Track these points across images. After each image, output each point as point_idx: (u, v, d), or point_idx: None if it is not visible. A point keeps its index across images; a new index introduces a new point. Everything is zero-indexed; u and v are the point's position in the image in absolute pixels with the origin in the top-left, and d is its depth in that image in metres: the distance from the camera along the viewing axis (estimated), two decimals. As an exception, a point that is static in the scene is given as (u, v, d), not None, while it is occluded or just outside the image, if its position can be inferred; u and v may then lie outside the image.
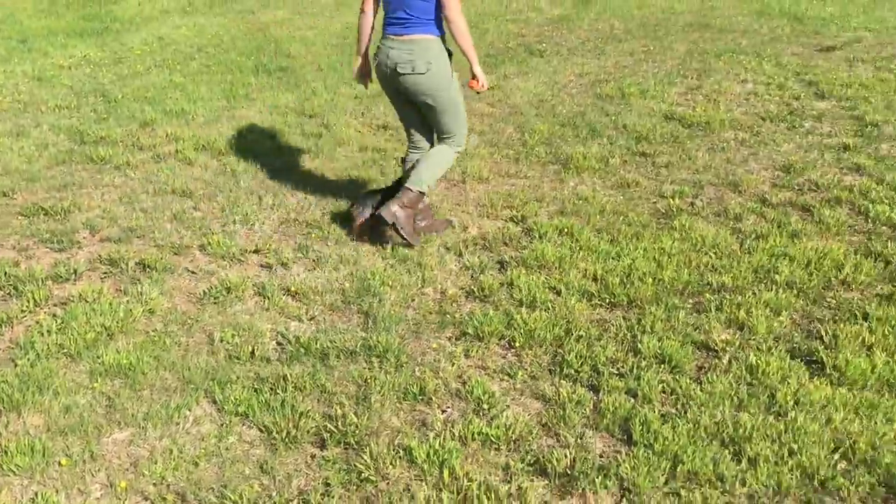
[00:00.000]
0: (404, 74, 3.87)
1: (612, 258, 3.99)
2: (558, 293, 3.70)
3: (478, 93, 4.12)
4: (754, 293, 3.63)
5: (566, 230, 4.31)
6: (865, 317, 3.42)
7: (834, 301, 3.60)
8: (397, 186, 4.12)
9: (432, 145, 4.20)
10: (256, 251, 4.13)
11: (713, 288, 3.71)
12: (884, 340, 3.22)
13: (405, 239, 4.01)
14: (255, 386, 3.01)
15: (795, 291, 3.66)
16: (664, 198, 4.79)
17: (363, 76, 4.22)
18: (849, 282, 3.73)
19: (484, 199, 4.79)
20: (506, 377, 3.10)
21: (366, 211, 4.11)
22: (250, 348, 3.26)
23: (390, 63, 3.88)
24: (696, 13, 10.65)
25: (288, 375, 3.04)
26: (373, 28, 4.07)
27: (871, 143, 5.57)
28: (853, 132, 5.81)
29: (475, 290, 3.74)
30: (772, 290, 3.66)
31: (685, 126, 6.07)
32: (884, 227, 4.31)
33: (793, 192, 4.84)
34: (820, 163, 5.25)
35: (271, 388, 2.99)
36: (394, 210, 3.95)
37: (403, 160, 4.32)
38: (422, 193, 4.07)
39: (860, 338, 3.24)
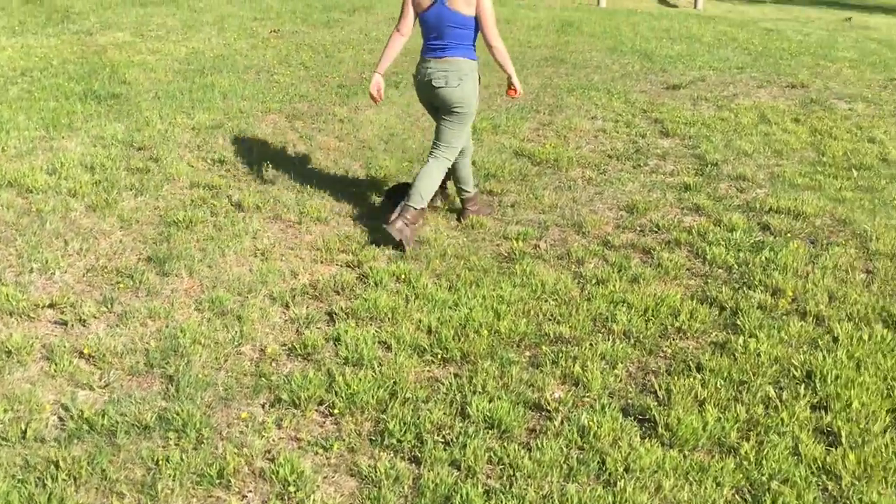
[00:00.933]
0: (438, 88, 4.40)
1: (449, 307, 3.77)
2: (388, 348, 3.43)
3: (513, 98, 5.22)
4: (591, 344, 3.49)
5: (403, 276, 4.06)
6: (699, 368, 3.34)
7: (670, 350, 3.51)
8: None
9: (472, 145, 4.90)
10: (51, 305, 3.65)
11: (550, 339, 3.55)
12: (716, 394, 3.14)
13: (405, 249, 4.34)
14: (21, 475, 2.57)
15: (632, 341, 3.55)
16: (508, 240, 4.64)
17: (377, 91, 4.64)
18: (684, 329, 3.66)
19: (320, 241, 4.48)
20: (320, 450, 2.79)
21: (401, 198, 4.57)
22: (22, 426, 2.80)
23: (427, 79, 4.43)
24: (552, 48, 10.81)
25: (62, 460, 2.62)
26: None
27: (711, 183, 5.66)
28: (694, 171, 5.90)
29: (298, 346, 3.42)
30: (609, 339, 3.54)
31: (534, 163, 5.99)
32: (720, 270, 4.31)
33: (635, 233, 4.80)
34: (662, 202, 5.26)
35: (39, 478, 2.55)
36: (398, 227, 4.33)
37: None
38: (423, 209, 4.49)
39: (693, 392, 3.14)
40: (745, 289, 4.06)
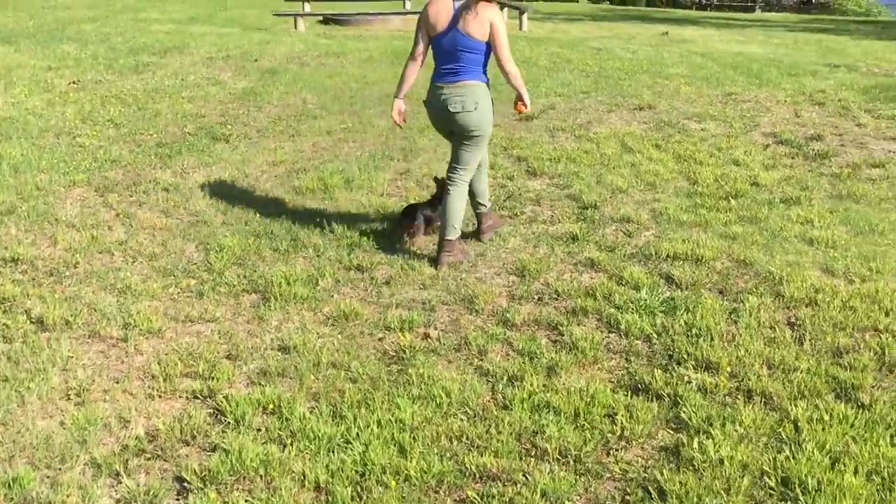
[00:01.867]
0: (455, 113, 4.39)
1: (339, 446, 2.94)
2: (267, 528, 2.56)
3: (520, 113, 4.77)
4: (525, 476, 2.78)
5: (272, 405, 3.19)
6: (661, 494, 2.71)
7: (618, 468, 2.86)
8: (435, 200, 4.95)
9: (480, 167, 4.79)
10: None
11: (475, 475, 2.81)
12: (693, 533, 2.51)
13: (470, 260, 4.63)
14: None
15: (571, 463, 2.87)
16: (391, 330, 3.86)
17: (399, 114, 4.74)
18: (627, 436, 3.03)
19: (155, 364, 3.51)
20: None
21: (420, 225, 4.89)
22: None
23: (443, 104, 4.42)
24: (391, 82, 10.09)
25: None
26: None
27: (596, 229, 5.16)
28: (575, 216, 5.38)
29: (140, 546, 2.47)
30: (544, 466, 2.84)
31: (400, 223, 5.26)
32: (639, 343, 3.74)
33: (533, 303, 4.17)
34: (552, 260, 4.68)
35: None
36: (447, 262, 4.54)
37: (440, 180, 4.87)
38: (457, 238, 4.61)
39: (666, 535, 2.50)
40: (674, 366, 3.51)
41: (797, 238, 4.99)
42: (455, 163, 4.60)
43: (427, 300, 4.17)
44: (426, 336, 3.82)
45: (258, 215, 5.33)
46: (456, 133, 4.53)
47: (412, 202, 5.26)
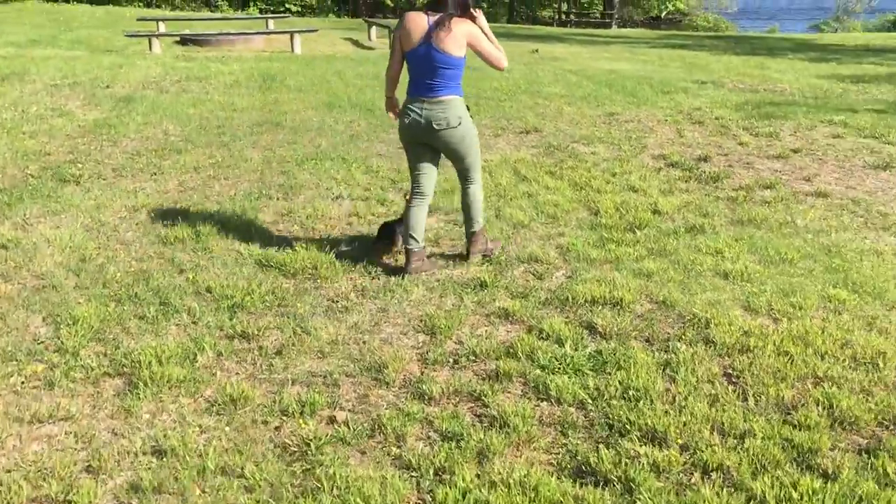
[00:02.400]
0: (440, 130, 4.41)
1: (238, 591, 2.34)
2: None
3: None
4: None
5: (148, 539, 2.55)
6: None
7: (579, 584, 2.42)
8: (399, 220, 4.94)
9: (433, 194, 4.86)
10: None
11: None
12: None
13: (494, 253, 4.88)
14: None
15: (526, 584, 2.40)
16: (289, 416, 3.28)
17: (393, 108, 4.72)
18: (583, 539, 2.59)
19: (-8, 489, 2.79)
20: None
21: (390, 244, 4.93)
22: None
23: (424, 121, 4.41)
24: (260, 109, 9.47)
25: None
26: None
27: (504, 272, 4.75)
28: (482, 260, 4.95)
29: None
30: (495, 592, 2.36)
31: (288, 275, 4.66)
32: (573, 410, 3.34)
33: (449, 368, 3.69)
34: (463, 312, 4.22)
35: None
36: (480, 250, 4.84)
37: (406, 209, 4.77)
38: (481, 230, 4.84)
39: None
40: (618, 439, 3.12)
41: (711, 272, 4.76)
42: (464, 168, 4.71)
43: (328, 372, 3.61)
44: (332, 421, 3.26)
45: (119, 274, 4.59)
46: (441, 149, 4.60)
47: (386, 220, 5.22)
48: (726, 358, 3.74)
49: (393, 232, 4.93)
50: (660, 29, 38.53)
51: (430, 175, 4.73)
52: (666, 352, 3.80)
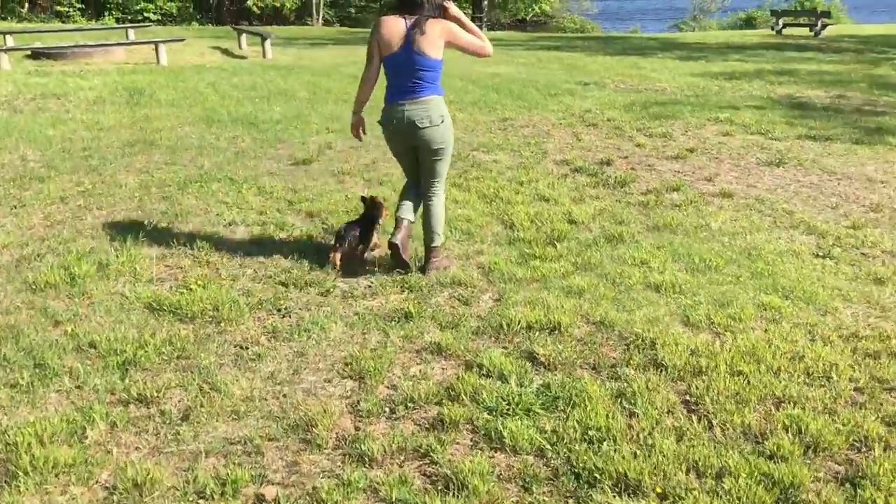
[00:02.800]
0: (423, 128, 4.38)
1: None
2: None
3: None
4: None
5: None
6: None
7: None
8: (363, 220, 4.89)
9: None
10: None
11: None
12: None
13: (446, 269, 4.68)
14: None
15: None
16: (208, 499, 2.78)
17: (359, 130, 4.78)
18: None
19: None
20: None
21: (345, 245, 4.69)
22: None
23: (407, 120, 4.38)
24: (130, 127, 8.68)
25: None
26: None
27: (427, 300, 4.38)
28: (397, 285, 4.56)
29: None
30: None
31: (185, 319, 4.11)
32: (534, 461, 3.00)
33: (386, 419, 3.28)
34: (391, 350, 3.81)
35: None
36: (435, 266, 4.68)
37: (368, 199, 4.97)
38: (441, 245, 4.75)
39: None
40: (589, 491, 2.80)
41: (641, 285, 4.56)
42: (431, 177, 4.62)
43: (247, 438, 3.12)
44: (261, 500, 2.78)
45: (-20, 334, 3.90)
46: (421, 148, 4.51)
47: (347, 221, 5.03)
48: (680, 383, 3.50)
49: (345, 238, 4.73)
50: (526, 31, 39.20)
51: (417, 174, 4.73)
52: (616, 380, 3.53)
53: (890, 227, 5.71)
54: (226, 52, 17.79)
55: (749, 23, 36.54)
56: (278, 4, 34.38)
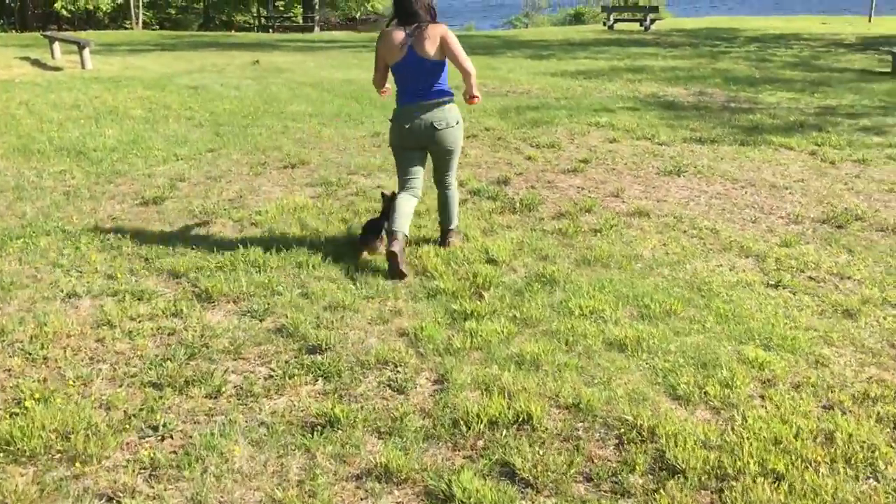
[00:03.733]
0: (440, 130, 4.69)
1: None
2: None
3: (472, 104, 4.84)
4: None
5: None
6: None
7: None
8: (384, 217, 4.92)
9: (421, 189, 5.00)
10: None
11: None
12: None
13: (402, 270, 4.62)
14: None
15: None
16: None
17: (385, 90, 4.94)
18: None
19: None
20: None
21: (377, 241, 4.91)
22: None
23: (426, 122, 4.67)
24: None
25: None
26: None
27: (349, 390, 3.44)
28: (303, 369, 3.58)
29: None
30: None
31: (22, 460, 2.94)
32: None
33: None
34: (323, 482, 2.85)
35: None
36: (454, 243, 5.10)
37: (389, 195, 5.02)
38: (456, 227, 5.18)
39: None
40: None
41: (602, 344, 3.83)
42: (444, 171, 4.95)
43: None
44: None
45: None
46: (434, 149, 4.82)
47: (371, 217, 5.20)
48: (708, 494, 2.77)
49: (379, 228, 4.93)
50: (357, 30, 38.31)
51: (421, 178, 4.95)
52: (626, 496, 2.75)
53: (819, 243, 5.33)
54: (37, 62, 15.69)
55: (578, 18, 37.46)
56: (91, 7, 31.44)
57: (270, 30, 36.18)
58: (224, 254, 4.89)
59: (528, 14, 38.02)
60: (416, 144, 4.79)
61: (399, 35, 4.55)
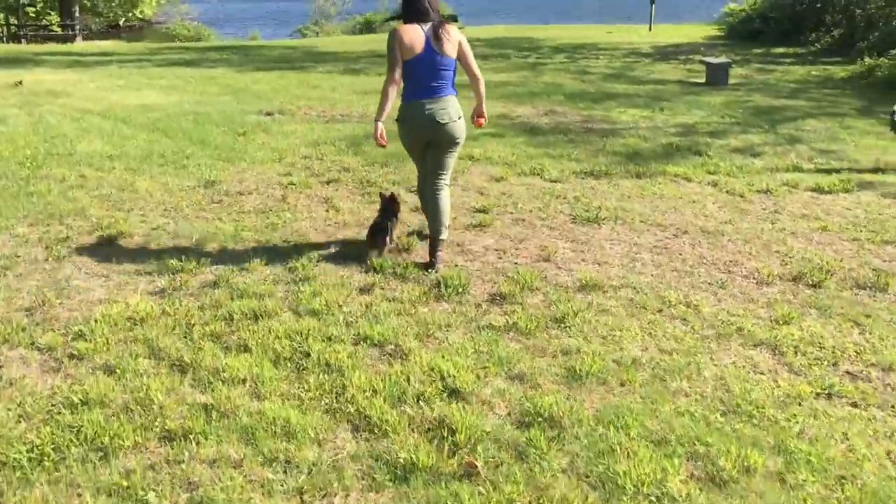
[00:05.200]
0: (446, 123, 4.76)
1: None
2: None
3: (479, 126, 5.06)
4: None
5: None
6: None
7: None
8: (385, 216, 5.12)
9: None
10: None
11: None
12: None
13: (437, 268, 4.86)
14: None
15: None
16: None
17: (383, 137, 4.82)
18: None
19: None
20: None
21: (385, 240, 5.02)
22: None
23: (432, 117, 4.72)
24: None
25: None
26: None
27: None
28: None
29: None
30: None
31: None
32: None
33: None
34: None
35: None
36: (443, 262, 4.94)
37: (388, 195, 5.27)
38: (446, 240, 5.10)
39: None
40: None
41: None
42: (440, 170, 4.96)
43: None
44: None
45: None
46: (440, 143, 4.85)
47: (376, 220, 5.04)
48: None
49: (384, 228, 5.00)
50: (120, 38, 34.64)
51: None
52: None
53: (816, 315, 4.41)
54: None
55: (369, 26, 36.35)
56: None
57: (23, 40, 31.64)
58: (29, 439, 3.03)
59: (317, 22, 36.25)
60: (423, 140, 4.86)
61: (418, 32, 4.65)
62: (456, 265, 5.02)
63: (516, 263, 5.06)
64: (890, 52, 15.99)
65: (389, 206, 5.17)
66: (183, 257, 4.89)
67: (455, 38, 4.71)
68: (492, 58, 18.59)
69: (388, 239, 5.00)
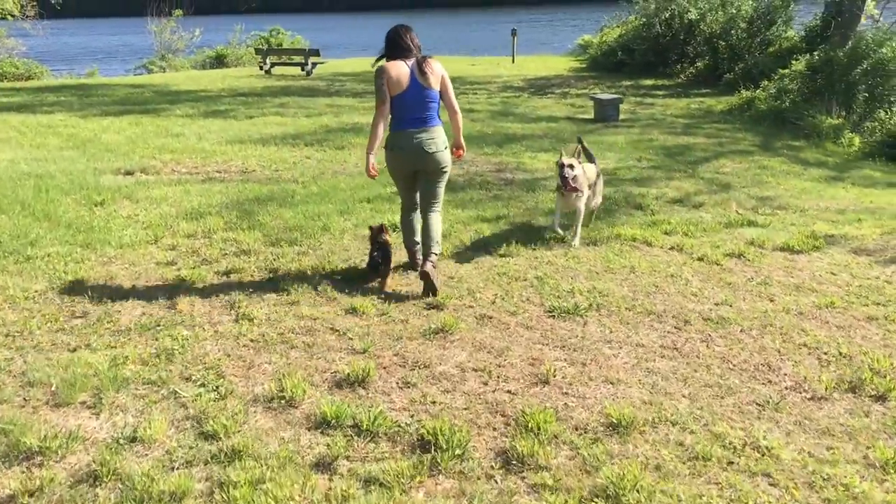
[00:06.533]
0: (433, 152, 4.99)
1: None
2: None
3: (458, 158, 5.27)
4: None
5: None
6: None
7: None
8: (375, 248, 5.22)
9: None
10: None
11: None
12: None
13: (435, 285, 4.98)
14: None
15: None
16: None
17: (374, 169, 5.03)
18: None
19: None
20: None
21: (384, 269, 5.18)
22: None
23: (420, 146, 4.96)
24: None
25: None
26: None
27: None
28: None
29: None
30: None
31: None
32: None
33: None
34: None
35: None
36: (429, 269, 4.94)
37: (376, 227, 5.26)
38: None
39: None
40: None
41: None
42: (432, 200, 5.15)
43: None
44: None
45: None
46: (427, 172, 5.08)
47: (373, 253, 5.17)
48: None
49: (376, 263, 5.16)
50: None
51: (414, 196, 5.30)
52: None
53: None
54: None
55: (221, 61, 34.20)
56: None
57: None
58: None
59: (164, 57, 33.67)
60: (413, 167, 5.04)
61: (403, 68, 4.92)
62: (434, 402, 3.71)
63: (510, 392, 3.82)
64: (763, 85, 16.14)
65: (382, 238, 5.23)
66: (42, 429, 3.30)
67: (438, 72, 5.00)
68: (364, 95, 17.31)
69: (385, 268, 5.17)
